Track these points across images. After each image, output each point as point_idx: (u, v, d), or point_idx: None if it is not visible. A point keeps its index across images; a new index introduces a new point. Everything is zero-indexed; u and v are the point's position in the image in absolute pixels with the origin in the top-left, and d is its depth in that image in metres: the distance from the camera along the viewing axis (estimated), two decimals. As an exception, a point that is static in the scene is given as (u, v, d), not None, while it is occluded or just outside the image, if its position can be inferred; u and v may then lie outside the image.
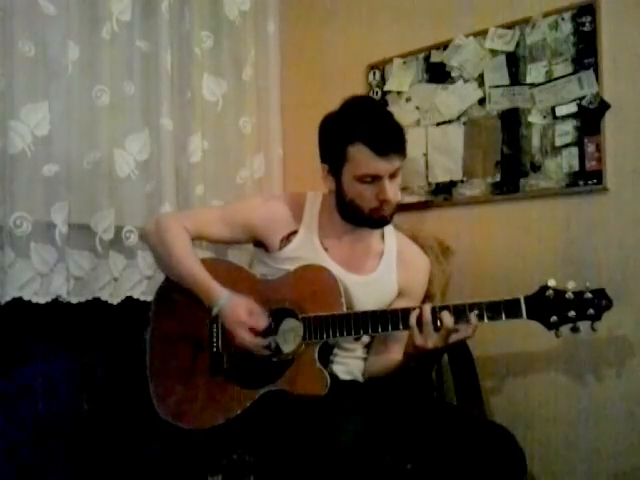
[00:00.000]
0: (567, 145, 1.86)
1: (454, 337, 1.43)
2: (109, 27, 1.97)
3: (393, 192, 1.55)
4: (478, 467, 1.37)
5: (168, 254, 1.65)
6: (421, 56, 2.16)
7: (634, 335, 1.75)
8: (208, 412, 1.56)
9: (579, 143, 1.84)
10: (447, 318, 1.41)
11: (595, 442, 1.80)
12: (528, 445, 1.81)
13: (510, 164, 1.97)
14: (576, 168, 1.85)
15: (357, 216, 1.61)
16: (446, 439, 1.43)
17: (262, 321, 1.54)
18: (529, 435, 1.88)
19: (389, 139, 1.52)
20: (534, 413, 1.90)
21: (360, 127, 1.52)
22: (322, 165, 1.64)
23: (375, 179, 1.52)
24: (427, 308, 1.43)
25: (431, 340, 1.42)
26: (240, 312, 1.53)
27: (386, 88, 2.24)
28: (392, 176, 1.54)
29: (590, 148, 1.83)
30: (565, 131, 1.87)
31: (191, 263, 1.63)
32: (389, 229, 1.73)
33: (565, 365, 1.86)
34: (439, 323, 1.42)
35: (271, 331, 1.57)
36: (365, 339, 1.69)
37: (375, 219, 1.60)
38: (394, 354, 1.65)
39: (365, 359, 1.71)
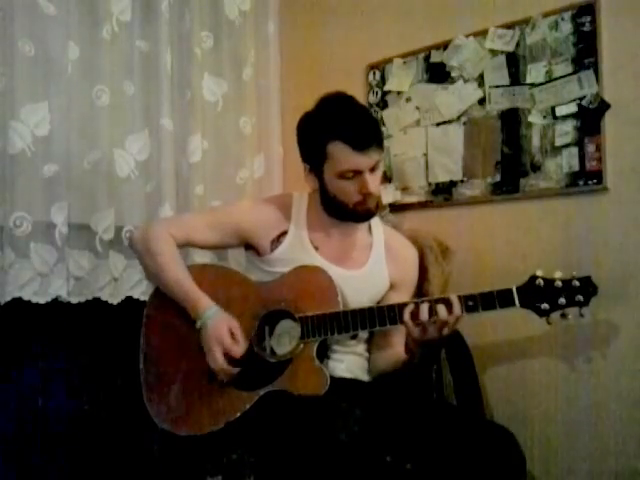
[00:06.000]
0: (567, 145, 1.87)
1: (447, 329, 1.45)
2: (109, 27, 1.98)
3: (375, 185, 1.57)
4: (478, 467, 1.37)
5: (154, 263, 1.64)
6: (421, 56, 2.17)
7: (634, 335, 1.75)
8: (207, 417, 1.54)
9: (579, 143, 1.85)
10: (442, 311, 1.43)
11: (595, 442, 1.80)
12: (528, 445, 1.81)
13: (510, 164, 1.97)
14: (576, 168, 1.85)
15: (342, 211, 1.62)
16: (446, 439, 1.43)
17: (239, 348, 1.52)
18: (529, 435, 1.88)
19: (366, 134, 1.54)
20: (534, 413, 1.90)
21: (337, 125, 1.53)
22: (304, 165, 1.65)
23: (356, 174, 1.54)
24: (425, 305, 1.45)
25: (428, 333, 1.45)
26: (222, 332, 1.52)
27: (386, 88, 2.24)
28: (372, 169, 1.56)
29: (590, 148, 1.83)
30: (565, 131, 1.87)
31: (177, 273, 1.62)
32: (375, 222, 1.74)
33: (565, 365, 1.86)
34: (435, 315, 1.44)
35: (262, 338, 1.57)
36: (363, 336, 1.69)
37: (360, 213, 1.62)
38: (397, 346, 1.66)
39: (366, 356, 1.71)
